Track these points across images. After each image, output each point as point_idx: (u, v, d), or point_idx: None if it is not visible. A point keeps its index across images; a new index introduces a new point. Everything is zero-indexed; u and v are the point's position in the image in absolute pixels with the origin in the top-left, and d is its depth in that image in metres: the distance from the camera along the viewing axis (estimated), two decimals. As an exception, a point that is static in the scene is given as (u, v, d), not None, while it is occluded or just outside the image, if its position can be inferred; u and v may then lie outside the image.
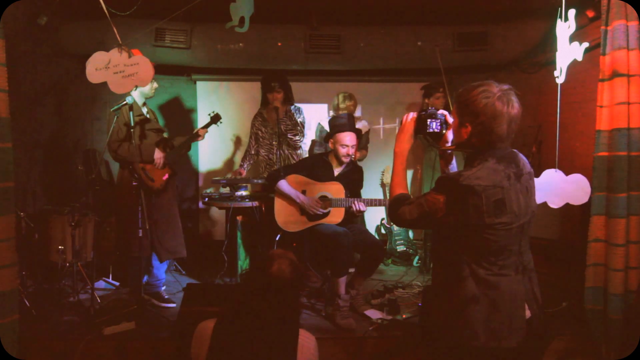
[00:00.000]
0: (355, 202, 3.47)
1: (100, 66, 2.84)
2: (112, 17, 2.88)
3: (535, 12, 4.27)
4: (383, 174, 5.25)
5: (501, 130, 1.62)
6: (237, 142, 5.46)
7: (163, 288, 3.71)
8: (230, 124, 5.26)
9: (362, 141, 4.52)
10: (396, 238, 4.92)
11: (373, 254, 3.44)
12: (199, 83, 5.47)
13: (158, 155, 3.58)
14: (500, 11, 4.39)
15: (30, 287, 3.63)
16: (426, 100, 4.51)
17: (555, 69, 2.67)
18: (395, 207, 1.78)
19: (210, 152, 5.48)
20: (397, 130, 1.94)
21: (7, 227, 2.61)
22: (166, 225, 3.61)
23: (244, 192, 4.00)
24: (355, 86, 5.22)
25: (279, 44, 4.56)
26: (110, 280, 4.06)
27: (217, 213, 5.38)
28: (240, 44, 4.55)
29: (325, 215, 3.56)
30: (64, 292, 3.67)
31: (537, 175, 2.64)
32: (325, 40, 4.59)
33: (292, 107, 4.28)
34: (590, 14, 3.72)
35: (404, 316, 3.34)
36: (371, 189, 5.14)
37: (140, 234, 3.22)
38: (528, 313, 1.67)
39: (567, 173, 2.75)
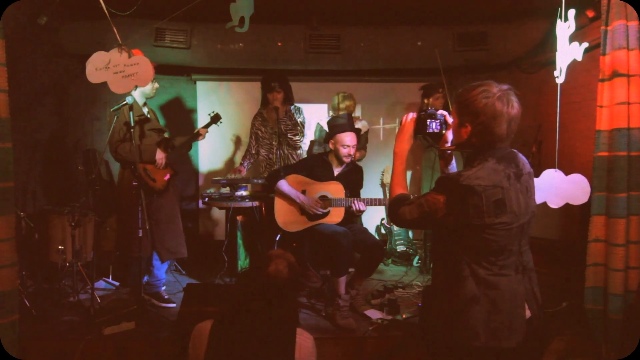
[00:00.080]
0: (355, 202, 3.47)
1: (100, 66, 2.84)
2: (112, 17, 2.88)
3: (535, 12, 4.27)
4: (383, 174, 5.26)
5: (501, 130, 1.62)
6: (237, 142, 5.46)
7: (163, 288, 3.71)
8: (230, 124, 5.26)
9: (361, 141, 4.52)
10: (396, 238, 4.92)
11: (373, 254, 3.44)
12: (199, 83, 5.47)
13: (160, 155, 3.59)
14: (500, 11, 4.39)
15: (30, 287, 3.63)
16: (425, 101, 4.51)
17: (555, 69, 2.67)
18: (395, 207, 1.78)
19: (211, 152, 5.48)
20: (396, 131, 1.94)
21: (7, 227, 2.61)
22: (167, 225, 3.61)
23: (244, 192, 4.00)
24: (355, 86, 5.22)
25: (279, 44, 4.56)
26: (110, 280, 4.06)
27: (217, 213, 5.39)
28: (240, 44, 4.55)
29: (325, 215, 3.56)
30: (64, 292, 3.67)
31: (537, 175, 2.64)
32: (325, 40, 4.59)
33: (292, 107, 4.28)
34: (590, 14, 3.72)
35: (404, 316, 3.34)
36: (371, 188, 5.15)
37: (140, 234, 3.22)
38: (528, 313, 1.67)
39: (567, 173, 2.75)
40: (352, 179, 3.70)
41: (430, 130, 1.84)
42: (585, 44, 2.59)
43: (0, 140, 2.57)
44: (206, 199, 4.11)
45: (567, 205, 2.74)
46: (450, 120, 1.83)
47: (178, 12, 3.16)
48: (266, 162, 4.30)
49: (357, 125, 4.49)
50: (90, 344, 2.88)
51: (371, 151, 4.98)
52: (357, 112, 5.28)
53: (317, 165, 3.70)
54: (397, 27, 4.61)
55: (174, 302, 3.59)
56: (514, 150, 1.74)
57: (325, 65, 4.88)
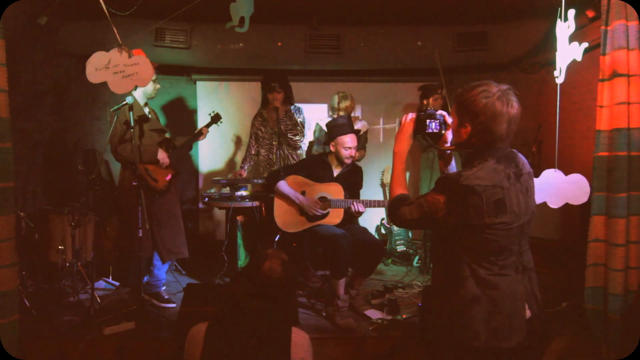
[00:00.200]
0: (354, 204, 3.47)
1: (100, 66, 2.84)
2: (112, 17, 2.88)
3: (535, 12, 4.27)
4: (383, 174, 5.26)
5: (501, 130, 1.62)
6: (237, 142, 5.46)
7: (163, 288, 3.70)
8: (230, 124, 5.26)
9: (361, 141, 4.52)
10: (396, 238, 4.92)
11: (373, 254, 3.44)
12: (199, 83, 5.47)
13: (162, 155, 3.59)
14: (500, 11, 4.39)
15: (30, 287, 3.63)
16: (425, 102, 4.51)
17: (555, 69, 2.67)
18: (395, 207, 1.78)
19: (211, 152, 5.48)
20: (396, 131, 1.94)
21: (7, 227, 2.61)
22: (169, 225, 3.61)
23: (244, 192, 4.00)
24: (355, 86, 5.22)
25: (279, 44, 4.57)
26: (110, 280, 4.06)
27: (217, 213, 5.39)
28: (240, 44, 4.55)
29: (325, 216, 3.56)
30: (64, 292, 3.67)
31: (537, 175, 2.64)
32: (325, 40, 4.59)
33: (292, 107, 4.28)
34: (590, 14, 3.72)
35: (404, 316, 3.34)
36: (371, 189, 5.15)
37: (141, 234, 3.22)
38: (528, 313, 1.67)
39: (567, 173, 2.75)
40: (352, 180, 3.70)
41: (430, 131, 1.83)
42: (585, 44, 2.59)
43: (0, 140, 2.57)
44: (206, 199, 4.11)
45: (567, 205, 2.74)
46: (449, 120, 1.83)
47: (178, 12, 3.16)
48: (266, 162, 4.30)
49: (357, 125, 4.50)
50: (90, 344, 2.87)
51: (371, 151, 4.98)
52: (357, 112, 5.28)
53: (316, 166, 3.70)
54: (397, 27, 4.61)
55: (174, 302, 3.59)
56: (514, 150, 1.74)
57: (325, 65, 4.88)
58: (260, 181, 4.00)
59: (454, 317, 1.66)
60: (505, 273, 1.65)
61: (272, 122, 4.22)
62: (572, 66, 2.63)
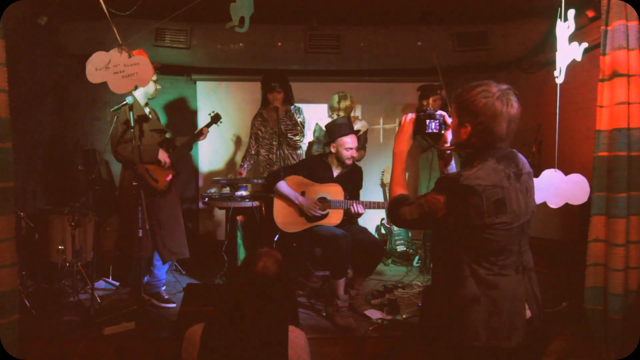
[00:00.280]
0: (354, 205, 3.47)
1: (100, 66, 2.84)
2: (112, 17, 2.87)
3: (535, 12, 4.27)
4: (383, 174, 5.25)
5: (501, 130, 1.62)
6: (237, 142, 5.46)
7: (163, 288, 3.70)
8: (230, 124, 5.26)
9: (361, 141, 4.52)
10: (396, 238, 4.92)
11: (372, 253, 3.44)
12: (199, 83, 5.47)
13: (163, 155, 3.59)
14: (500, 11, 4.39)
15: (30, 287, 3.63)
16: (424, 102, 4.51)
17: (555, 69, 2.67)
18: (395, 207, 1.78)
19: (211, 152, 5.48)
20: (396, 131, 1.94)
21: (7, 227, 2.61)
22: (169, 225, 3.61)
23: (244, 192, 4.00)
24: (355, 86, 5.22)
25: (279, 44, 4.56)
26: (110, 280, 4.06)
27: (217, 213, 5.39)
28: (240, 44, 4.55)
29: (324, 217, 3.56)
30: (64, 292, 3.68)
31: (537, 175, 2.64)
32: (325, 40, 4.59)
33: (292, 107, 4.28)
34: (590, 14, 3.72)
35: (404, 316, 3.34)
36: (371, 189, 5.15)
37: (140, 234, 3.22)
38: (528, 313, 1.67)
39: (567, 173, 2.75)
40: (352, 180, 3.70)
41: (430, 131, 1.84)
42: (585, 44, 2.59)
43: (0, 140, 2.57)
44: (206, 199, 4.11)
45: (567, 205, 2.74)
46: (449, 120, 1.83)
47: (178, 12, 3.16)
48: (266, 162, 4.30)
49: (357, 125, 4.50)
50: (90, 344, 2.88)
51: (371, 151, 4.98)
52: (357, 112, 5.29)
53: (316, 166, 3.70)
54: (397, 27, 4.61)
55: (174, 302, 3.59)
56: (514, 150, 1.74)
57: (325, 65, 4.88)
58: (260, 181, 4.00)
59: (454, 317, 1.65)
60: (505, 273, 1.65)
61: (272, 122, 4.22)
62: (572, 66, 2.63)
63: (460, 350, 1.66)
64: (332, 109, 4.58)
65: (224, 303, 1.77)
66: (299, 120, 4.26)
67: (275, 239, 3.73)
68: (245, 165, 4.31)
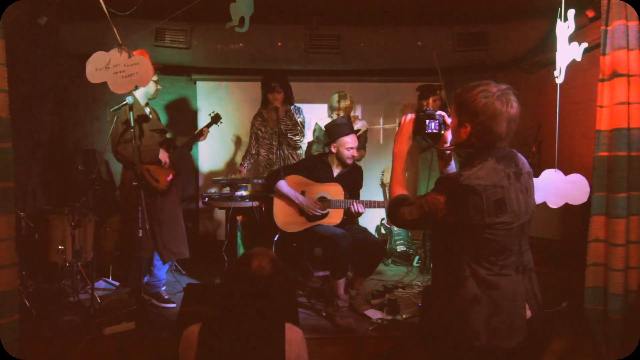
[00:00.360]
0: (354, 204, 3.47)
1: (100, 66, 2.84)
2: (112, 17, 2.87)
3: (535, 12, 4.27)
4: (383, 174, 5.25)
5: (501, 130, 1.62)
6: (238, 142, 5.46)
7: (163, 288, 3.70)
8: (230, 124, 5.26)
9: (361, 141, 4.52)
10: (396, 238, 4.92)
11: (373, 253, 3.44)
12: (199, 83, 5.47)
13: (164, 155, 3.59)
14: (500, 11, 4.39)
15: (30, 287, 3.63)
16: (423, 103, 4.51)
17: (555, 69, 2.67)
18: (395, 208, 1.78)
19: (211, 152, 5.48)
20: (396, 131, 1.94)
21: (7, 227, 2.61)
22: (169, 226, 3.61)
23: (244, 192, 4.00)
24: (355, 86, 5.22)
25: (279, 44, 4.57)
26: (110, 280, 4.06)
27: (217, 213, 5.39)
28: (240, 44, 4.55)
29: (324, 216, 3.56)
30: (64, 292, 3.67)
31: (537, 175, 2.64)
32: (325, 40, 4.59)
33: (292, 107, 4.28)
34: (590, 14, 3.72)
35: (404, 316, 3.34)
36: (371, 188, 5.15)
37: (140, 234, 3.22)
38: (529, 313, 1.67)
39: (566, 173, 2.75)
40: (352, 179, 3.70)
41: (429, 131, 1.84)
42: (585, 44, 2.59)
43: (0, 140, 2.57)
44: (206, 199, 4.11)
45: (567, 205, 2.74)
46: (449, 120, 1.83)
47: (178, 12, 3.16)
48: (266, 162, 4.30)
49: (357, 124, 4.50)
50: (90, 344, 2.88)
51: (371, 151, 4.98)
52: (357, 112, 5.29)
53: (316, 166, 3.70)
54: (397, 27, 4.61)
55: (174, 302, 3.59)
56: (514, 150, 1.74)
57: (325, 65, 4.88)
58: (260, 181, 4.00)
59: (454, 317, 1.65)
60: (505, 273, 1.65)
61: (272, 122, 4.22)
62: (572, 66, 2.63)
63: (461, 350, 1.66)
64: (331, 108, 4.58)
65: (220, 303, 1.77)
66: (299, 120, 4.26)
67: (275, 238, 3.73)
68: (245, 164, 4.31)
